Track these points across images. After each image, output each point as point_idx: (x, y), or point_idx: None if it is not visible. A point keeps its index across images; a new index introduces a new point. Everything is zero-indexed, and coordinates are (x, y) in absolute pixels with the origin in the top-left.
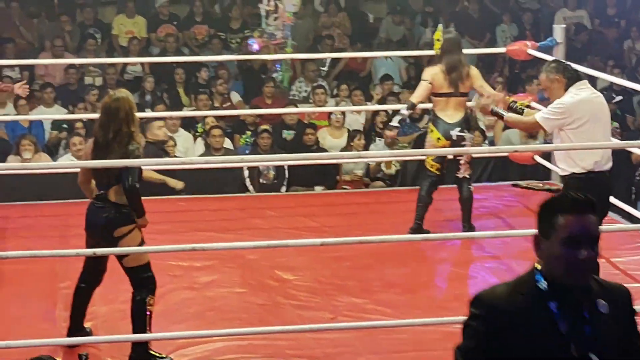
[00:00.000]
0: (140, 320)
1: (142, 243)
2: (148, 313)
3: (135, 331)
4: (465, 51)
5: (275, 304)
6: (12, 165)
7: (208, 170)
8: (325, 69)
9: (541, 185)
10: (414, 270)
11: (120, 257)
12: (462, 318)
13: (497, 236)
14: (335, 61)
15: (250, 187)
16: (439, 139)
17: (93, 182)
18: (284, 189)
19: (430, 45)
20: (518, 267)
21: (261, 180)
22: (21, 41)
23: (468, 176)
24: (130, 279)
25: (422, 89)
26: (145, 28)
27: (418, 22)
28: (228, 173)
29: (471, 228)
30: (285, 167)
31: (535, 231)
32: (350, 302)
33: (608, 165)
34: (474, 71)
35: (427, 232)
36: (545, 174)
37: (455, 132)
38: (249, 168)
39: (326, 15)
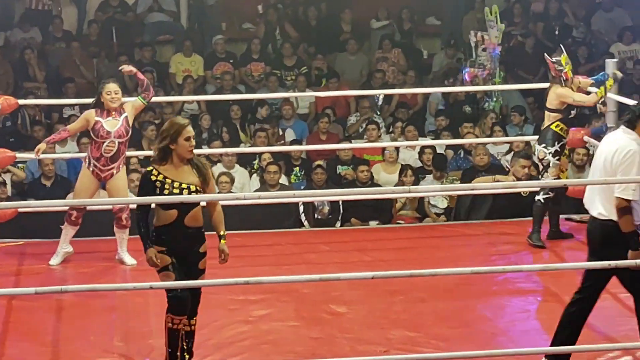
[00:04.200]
0: (165, 334)
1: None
2: (166, 329)
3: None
4: (518, 86)
5: (328, 337)
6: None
7: (263, 205)
8: (379, 103)
9: None
10: (467, 303)
11: None
12: (515, 350)
13: (548, 269)
14: (388, 97)
15: (305, 222)
16: None
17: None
18: (338, 224)
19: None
20: (569, 300)
21: (316, 216)
22: (81, 80)
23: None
24: None
25: None
26: (202, 66)
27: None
28: (283, 208)
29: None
30: (340, 203)
31: (585, 264)
32: (403, 336)
33: None
34: (557, 90)
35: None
36: None
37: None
38: (304, 203)
39: (380, 52)
